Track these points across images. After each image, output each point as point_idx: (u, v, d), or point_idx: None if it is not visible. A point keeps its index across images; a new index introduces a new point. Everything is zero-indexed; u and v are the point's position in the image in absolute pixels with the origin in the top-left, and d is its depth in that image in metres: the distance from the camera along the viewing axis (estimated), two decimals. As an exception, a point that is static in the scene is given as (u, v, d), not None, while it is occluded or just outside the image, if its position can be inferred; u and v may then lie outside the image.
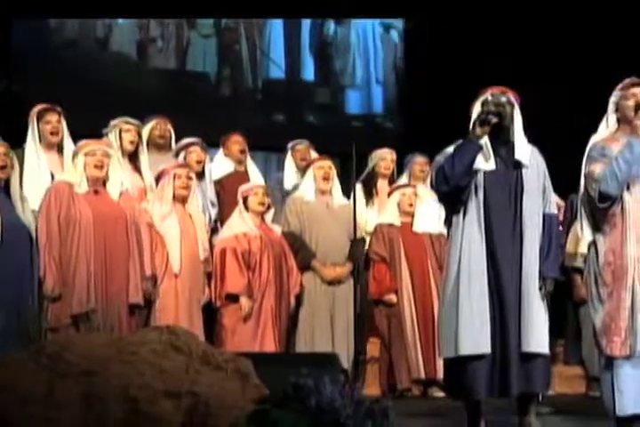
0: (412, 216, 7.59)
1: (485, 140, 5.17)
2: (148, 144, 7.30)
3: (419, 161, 8.22)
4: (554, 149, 5.95)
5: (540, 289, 5.17)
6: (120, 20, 10.39)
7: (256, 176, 7.88)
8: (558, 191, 6.22)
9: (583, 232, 5.27)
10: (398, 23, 11.61)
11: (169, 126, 7.58)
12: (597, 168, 5.08)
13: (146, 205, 6.66)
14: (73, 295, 6.04)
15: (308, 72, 11.23)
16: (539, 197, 5.25)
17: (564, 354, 7.94)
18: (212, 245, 6.93)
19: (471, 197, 5.17)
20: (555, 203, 5.41)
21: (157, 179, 6.85)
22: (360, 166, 7.07)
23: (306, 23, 11.22)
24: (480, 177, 5.17)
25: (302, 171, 7.79)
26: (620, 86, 5.25)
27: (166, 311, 6.47)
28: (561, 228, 6.72)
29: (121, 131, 6.96)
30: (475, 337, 5.04)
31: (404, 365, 7.32)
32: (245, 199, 7.02)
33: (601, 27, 10.20)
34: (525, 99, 5.39)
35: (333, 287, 7.21)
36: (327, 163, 7.46)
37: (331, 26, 11.26)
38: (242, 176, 7.74)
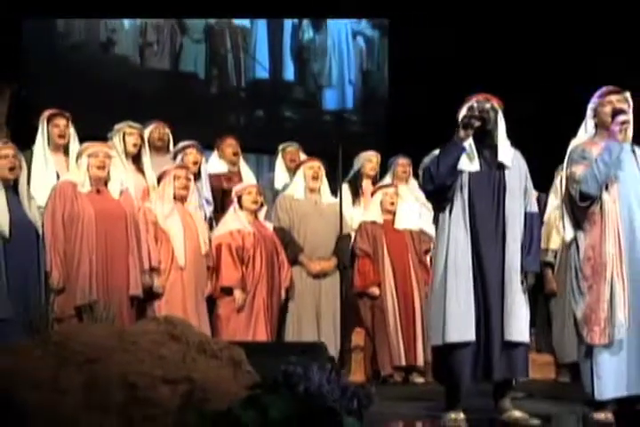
0: (394, 214, 7.62)
1: (470, 143, 5.21)
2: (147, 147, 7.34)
3: (402, 162, 8.26)
4: (536, 151, 5.99)
5: (522, 283, 5.19)
6: (125, 23, 10.67)
7: (249, 176, 7.90)
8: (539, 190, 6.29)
9: (565, 230, 5.31)
10: (367, 29, 11.94)
11: (167, 130, 7.64)
12: (578, 170, 5.14)
13: (149, 205, 6.67)
14: (77, 288, 6.06)
15: (289, 73, 11.62)
16: (520, 197, 5.27)
17: (535, 342, 7.95)
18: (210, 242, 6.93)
19: (457, 196, 5.20)
20: (535, 202, 5.44)
21: (159, 179, 6.86)
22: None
23: (287, 30, 11.58)
24: (465, 177, 5.21)
25: (292, 171, 7.80)
26: (597, 94, 5.33)
27: (174, 302, 6.47)
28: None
29: (124, 134, 6.98)
30: (461, 326, 5.08)
31: (387, 353, 7.33)
32: (239, 198, 7.04)
33: (581, 35, 10.09)
34: (506, 103, 5.41)
35: (319, 280, 7.21)
36: (317, 163, 7.48)
37: (310, 32, 11.63)
38: (235, 176, 7.77)
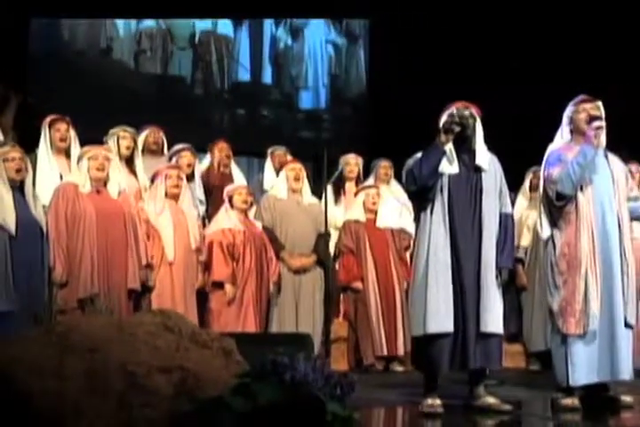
0: (376, 213, 7.63)
1: (450, 147, 5.24)
2: (143, 150, 7.38)
3: (383, 165, 8.32)
4: (514, 155, 6.01)
5: (497, 278, 5.22)
6: (121, 32, 11.28)
7: (239, 178, 7.90)
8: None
9: (542, 228, 5.34)
10: (338, 38, 12.16)
11: (161, 134, 7.67)
12: (555, 171, 5.20)
13: (142, 205, 6.66)
14: (79, 282, 6.06)
15: (267, 76, 11.96)
16: (496, 198, 5.30)
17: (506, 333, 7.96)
18: (202, 239, 6.92)
19: (437, 196, 5.24)
20: (509, 203, 5.46)
21: (152, 179, 6.85)
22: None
23: (267, 38, 11.93)
24: (445, 179, 5.24)
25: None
26: (572, 102, 5.39)
27: (164, 296, 6.45)
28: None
29: (119, 138, 7.00)
30: (440, 318, 5.11)
31: (369, 343, 7.34)
32: (230, 198, 7.04)
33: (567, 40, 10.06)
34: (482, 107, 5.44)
35: (299, 276, 7.20)
36: (298, 165, 7.47)
37: (288, 40, 11.98)
38: (227, 178, 7.78)
